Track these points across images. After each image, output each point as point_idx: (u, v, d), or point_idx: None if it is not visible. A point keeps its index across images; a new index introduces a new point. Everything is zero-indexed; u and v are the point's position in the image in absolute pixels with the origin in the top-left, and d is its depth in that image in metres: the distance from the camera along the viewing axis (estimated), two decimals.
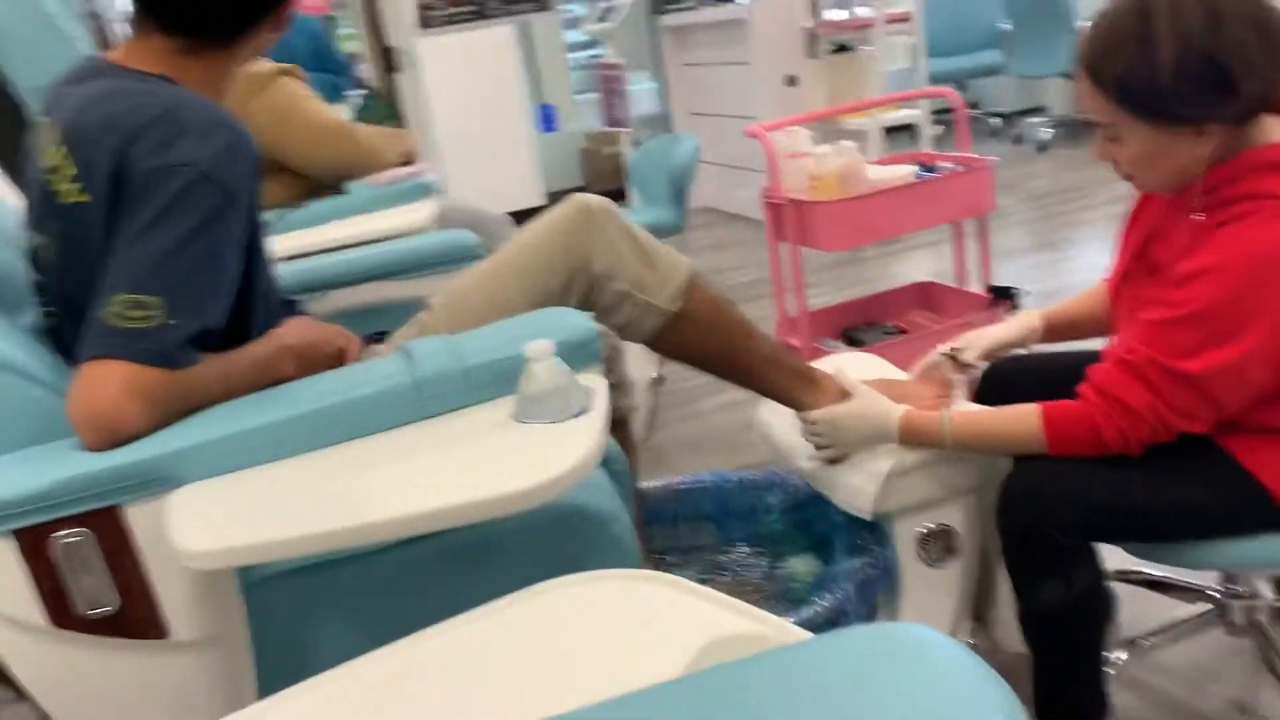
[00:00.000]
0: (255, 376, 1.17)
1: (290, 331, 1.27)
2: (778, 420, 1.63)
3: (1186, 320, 1.19)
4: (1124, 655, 1.60)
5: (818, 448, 1.49)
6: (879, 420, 1.41)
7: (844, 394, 1.47)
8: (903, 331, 2.74)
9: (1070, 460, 1.30)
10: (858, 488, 1.45)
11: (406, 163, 2.53)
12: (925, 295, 2.91)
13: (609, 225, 1.38)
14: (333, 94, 4.56)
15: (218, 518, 0.96)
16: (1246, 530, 1.28)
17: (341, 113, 4.69)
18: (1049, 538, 1.29)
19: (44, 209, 1.17)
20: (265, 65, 2.35)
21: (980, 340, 1.54)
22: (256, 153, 1.16)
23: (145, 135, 1.07)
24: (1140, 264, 1.35)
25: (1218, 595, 1.59)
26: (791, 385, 1.48)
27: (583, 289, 1.38)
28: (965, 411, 1.39)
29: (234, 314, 1.16)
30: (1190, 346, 1.19)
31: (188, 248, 1.06)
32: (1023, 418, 1.30)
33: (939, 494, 1.47)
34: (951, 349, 1.54)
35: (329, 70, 4.62)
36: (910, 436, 1.39)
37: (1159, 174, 1.26)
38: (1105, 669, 1.38)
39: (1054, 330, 1.56)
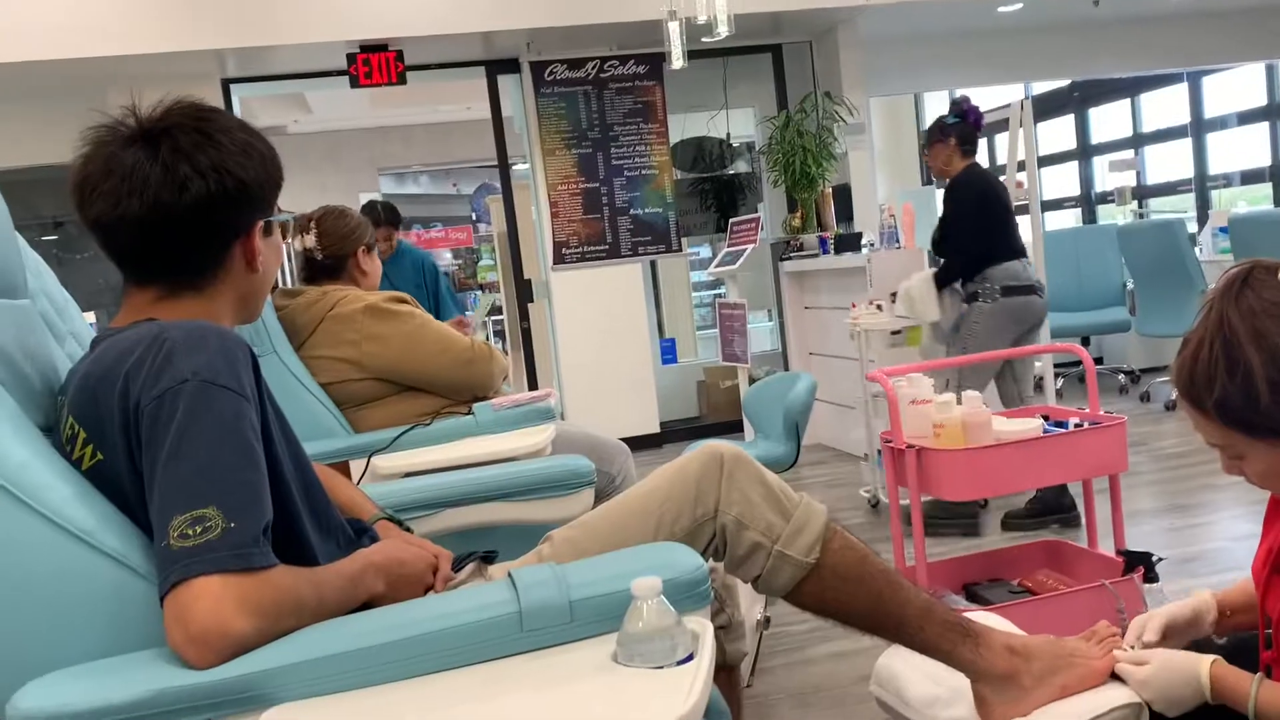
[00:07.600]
0: (346, 589, 1.16)
1: (377, 550, 1.29)
2: (909, 670, 1.53)
3: None
4: None
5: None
6: (1187, 666, 1.27)
7: (1012, 650, 1.35)
8: (1030, 591, 2.59)
9: None
10: None
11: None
12: (1053, 554, 2.76)
13: (740, 473, 1.35)
14: None
15: None
16: None
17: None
18: None
19: None
20: (384, 294, 2.47)
21: (1154, 620, 1.40)
22: (250, 353, 1.16)
23: (137, 372, 1.09)
24: None
25: None
26: (952, 640, 1.35)
27: (711, 537, 1.34)
28: (1273, 683, 1.24)
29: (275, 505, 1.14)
30: None
31: (220, 452, 1.06)
32: None
33: None
34: (1132, 645, 1.39)
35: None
36: (1221, 687, 1.24)
37: None
38: None
39: (1224, 615, 1.40)
